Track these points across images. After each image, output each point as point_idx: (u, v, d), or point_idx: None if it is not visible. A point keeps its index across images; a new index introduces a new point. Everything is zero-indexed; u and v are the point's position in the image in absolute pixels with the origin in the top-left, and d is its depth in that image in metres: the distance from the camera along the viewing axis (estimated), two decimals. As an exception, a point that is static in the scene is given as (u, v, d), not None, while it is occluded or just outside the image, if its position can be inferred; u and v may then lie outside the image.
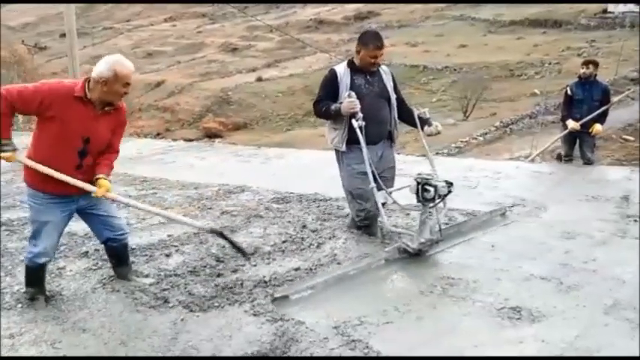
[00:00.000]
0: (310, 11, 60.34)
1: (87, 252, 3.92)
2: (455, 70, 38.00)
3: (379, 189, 3.88)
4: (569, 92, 6.90)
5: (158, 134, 29.84)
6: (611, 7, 42.31)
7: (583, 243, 4.06)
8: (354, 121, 3.86)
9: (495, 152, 21.54)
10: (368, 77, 4.06)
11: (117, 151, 3.22)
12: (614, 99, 7.35)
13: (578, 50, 36.62)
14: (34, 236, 3.08)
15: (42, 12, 70.26)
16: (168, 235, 4.28)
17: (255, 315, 3.01)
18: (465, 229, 4.31)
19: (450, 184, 3.63)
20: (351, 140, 3.97)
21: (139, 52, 54.68)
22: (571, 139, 6.98)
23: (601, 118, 6.69)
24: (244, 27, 56.39)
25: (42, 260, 3.10)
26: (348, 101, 3.84)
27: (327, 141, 4.21)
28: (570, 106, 6.86)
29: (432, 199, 3.61)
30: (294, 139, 25.58)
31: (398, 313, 3.02)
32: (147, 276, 3.52)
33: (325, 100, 4.01)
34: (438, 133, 4.13)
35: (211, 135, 31.71)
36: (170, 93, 41.75)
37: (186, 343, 2.75)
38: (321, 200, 5.26)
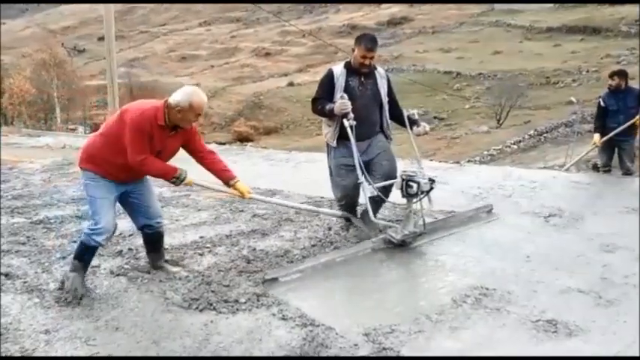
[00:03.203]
0: (343, 16, 60.48)
1: (121, 251, 3.99)
2: (489, 76, 37.51)
3: (368, 183, 4.08)
4: (601, 104, 6.73)
5: (191, 136, 30.29)
6: (652, 13, 41.15)
7: (623, 256, 3.92)
8: (345, 120, 4.06)
9: (529, 160, 21.15)
10: (362, 79, 4.24)
11: (212, 151, 3.57)
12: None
13: (618, 58, 35.72)
14: (94, 214, 3.28)
15: (82, 16, 72.24)
16: (201, 237, 4.32)
17: (283, 319, 3.01)
18: (452, 223, 4.49)
19: (432, 181, 3.89)
20: (342, 137, 4.22)
21: (174, 56, 55.75)
22: (609, 148, 6.78)
23: None
24: (277, 32, 56.93)
25: (102, 237, 3.26)
26: (341, 102, 4.06)
27: (323, 135, 4.47)
28: (605, 117, 6.68)
29: (416, 195, 3.87)
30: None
31: (430, 323, 2.96)
32: (177, 264, 3.71)
33: (322, 99, 4.25)
34: (426, 133, 4.39)
35: (242, 139, 32.10)
36: (203, 96, 42.39)
37: (217, 344, 2.76)
38: (351, 205, 5.22)
